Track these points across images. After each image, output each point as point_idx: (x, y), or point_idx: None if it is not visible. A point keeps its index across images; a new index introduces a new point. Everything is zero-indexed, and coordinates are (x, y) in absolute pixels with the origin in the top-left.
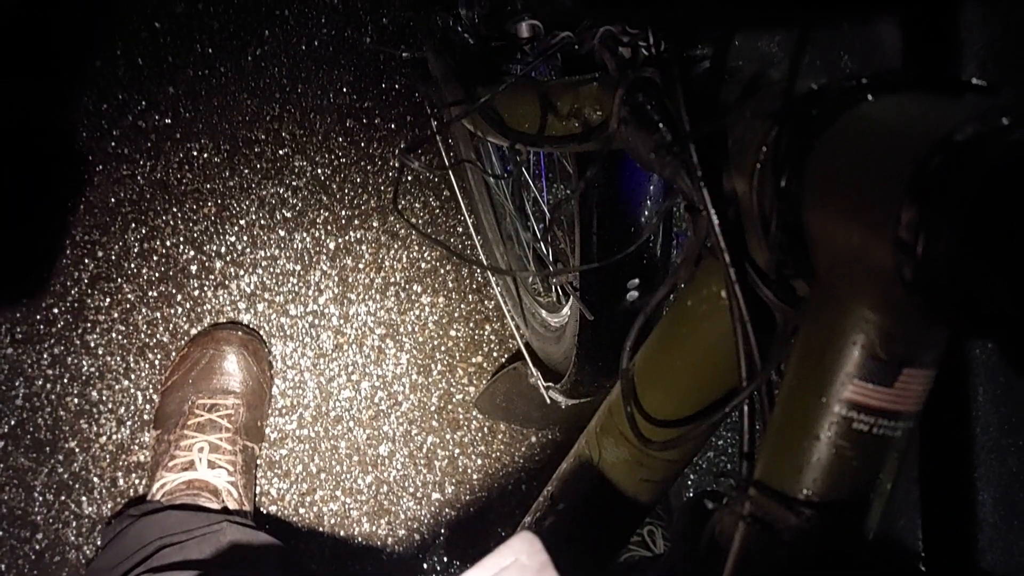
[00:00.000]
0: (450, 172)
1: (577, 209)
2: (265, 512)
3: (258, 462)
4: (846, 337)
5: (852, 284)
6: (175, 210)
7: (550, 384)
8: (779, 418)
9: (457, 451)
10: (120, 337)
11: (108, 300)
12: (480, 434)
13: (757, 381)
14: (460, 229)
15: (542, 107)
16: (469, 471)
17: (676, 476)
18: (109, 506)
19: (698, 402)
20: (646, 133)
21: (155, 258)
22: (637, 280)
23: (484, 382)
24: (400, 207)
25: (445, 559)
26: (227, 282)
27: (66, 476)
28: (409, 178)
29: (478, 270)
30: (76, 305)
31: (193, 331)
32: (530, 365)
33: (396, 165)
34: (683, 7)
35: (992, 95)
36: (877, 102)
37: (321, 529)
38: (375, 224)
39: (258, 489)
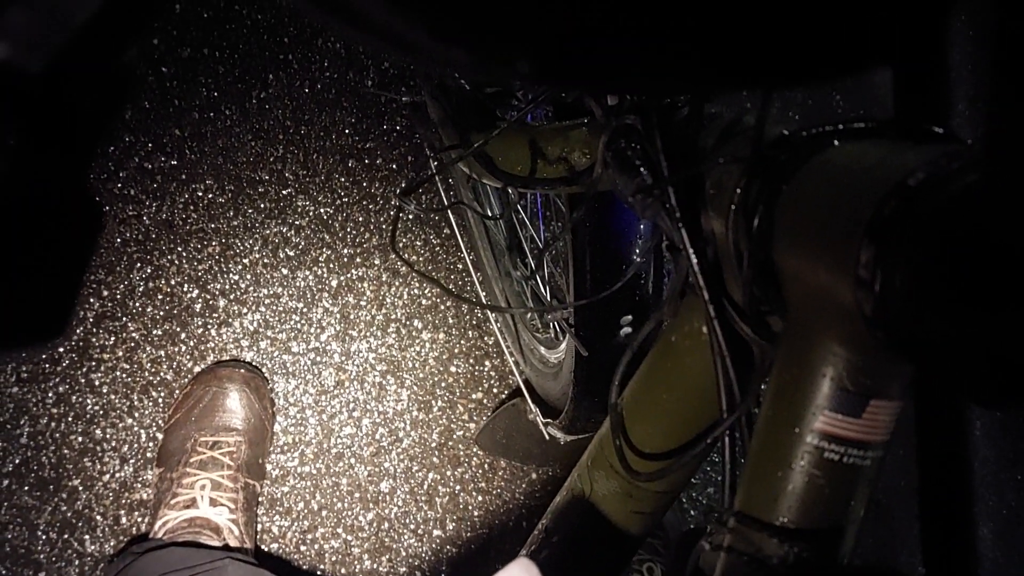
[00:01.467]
0: (449, 211)
1: (569, 247)
2: (267, 549)
3: (260, 499)
4: (816, 370)
5: (820, 320)
6: (180, 249)
7: (548, 420)
8: (756, 449)
9: (458, 488)
10: (124, 375)
11: (113, 339)
12: (481, 471)
13: (736, 413)
14: (460, 266)
15: (533, 151)
16: (470, 508)
17: (666, 508)
18: (112, 544)
19: (684, 434)
20: (628, 177)
21: (160, 297)
22: (630, 316)
23: (484, 418)
24: (401, 245)
25: None
26: (230, 320)
27: (69, 514)
28: (410, 217)
29: (478, 297)
30: (81, 344)
31: (197, 369)
32: (529, 401)
33: (396, 205)
34: (650, 81)
35: (946, 141)
36: (841, 148)
37: (323, 567)
38: (376, 262)
39: (260, 526)
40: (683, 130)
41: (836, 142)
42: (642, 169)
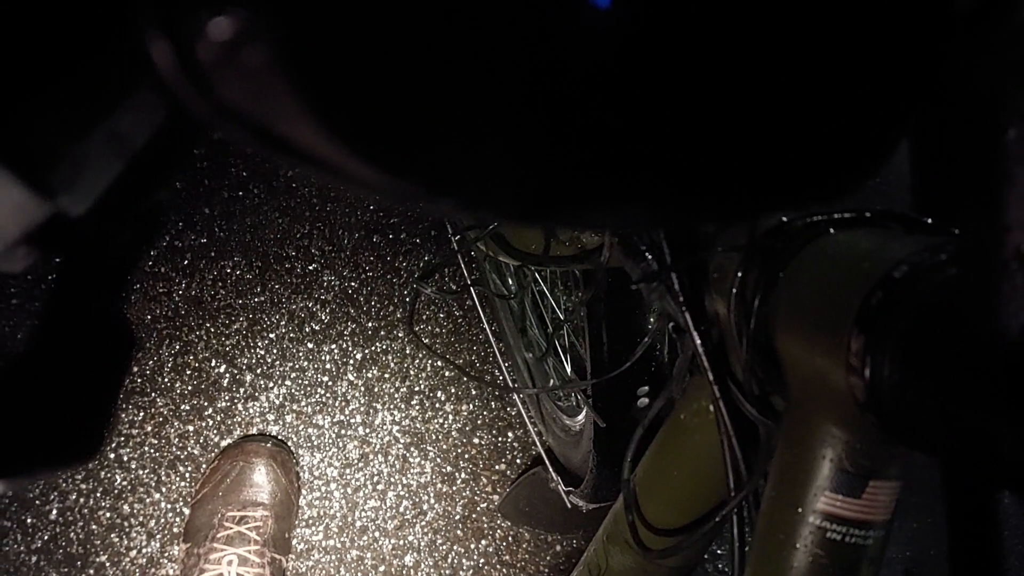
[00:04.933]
0: (475, 284)
1: (585, 322)
2: None
3: (286, 574)
4: (816, 451)
5: (818, 402)
6: (208, 325)
7: (571, 488)
8: (761, 528)
9: (482, 561)
10: (152, 450)
11: (142, 414)
12: (505, 543)
13: (742, 493)
14: (482, 337)
15: (545, 231)
16: None
17: None
18: None
19: (694, 511)
20: (634, 262)
21: (188, 372)
22: (647, 387)
23: (507, 489)
24: (424, 318)
25: None
26: (257, 394)
27: None
28: (432, 288)
29: (500, 375)
30: (110, 419)
31: (223, 443)
32: (551, 470)
33: (413, 288)
34: (632, 219)
35: (934, 232)
36: (834, 237)
37: None
38: (400, 335)
39: None
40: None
41: (831, 230)
42: (647, 255)
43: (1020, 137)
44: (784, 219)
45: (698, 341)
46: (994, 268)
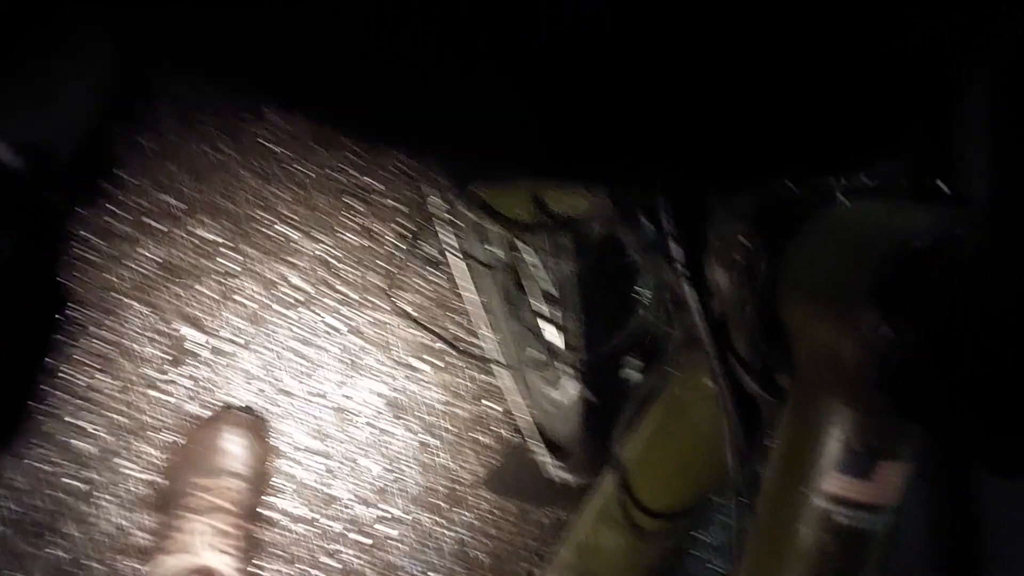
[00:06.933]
0: (458, 251)
1: (575, 293)
2: None
3: (258, 544)
4: (824, 430)
5: (827, 378)
6: (177, 289)
7: (558, 463)
8: (763, 510)
9: (467, 534)
10: (122, 418)
11: (109, 380)
12: (489, 516)
13: (744, 472)
14: (465, 308)
15: (533, 197)
16: (477, 554)
17: (672, 563)
18: None
19: (689, 488)
20: (631, 229)
21: (157, 337)
22: (636, 360)
23: (491, 461)
24: (405, 286)
25: None
26: (229, 361)
27: (66, 561)
28: (412, 254)
29: (485, 347)
30: (73, 385)
31: (195, 411)
32: (538, 443)
33: (403, 250)
34: (645, 176)
35: (952, 203)
36: (846, 206)
37: None
38: (379, 302)
39: (259, 572)
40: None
41: (840, 197)
42: (645, 222)
43: None
44: (790, 185)
45: (699, 314)
46: None
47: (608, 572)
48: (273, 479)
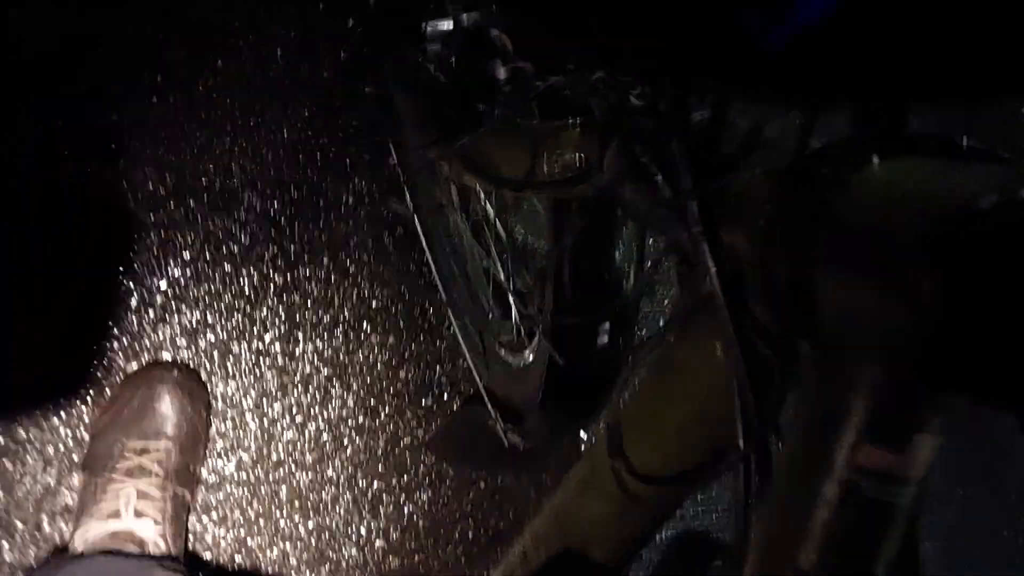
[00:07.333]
0: (409, 208)
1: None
2: (199, 559)
3: (194, 506)
4: (853, 400)
5: (862, 346)
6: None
7: (508, 426)
8: (782, 483)
9: (403, 497)
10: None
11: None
12: (428, 479)
13: (754, 440)
14: (414, 269)
15: (522, 151)
16: (415, 517)
17: (658, 530)
18: (32, 552)
19: (689, 453)
20: (643, 186)
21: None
22: (608, 325)
23: (434, 425)
24: (352, 243)
25: None
26: (168, 317)
27: None
28: (357, 211)
29: (430, 308)
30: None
31: (130, 368)
32: (489, 406)
33: (359, 206)
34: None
35: (1006, 163)
36: (888, 165)
37: None
38: (325, 261)
39: (193, 534)
40: (701, 137)
41: (875, 158)
42: (659, 179)
43: None
44: (820, 145)
45: (715, 276)
46: None
47: (589, 541)
48: (208, 440)
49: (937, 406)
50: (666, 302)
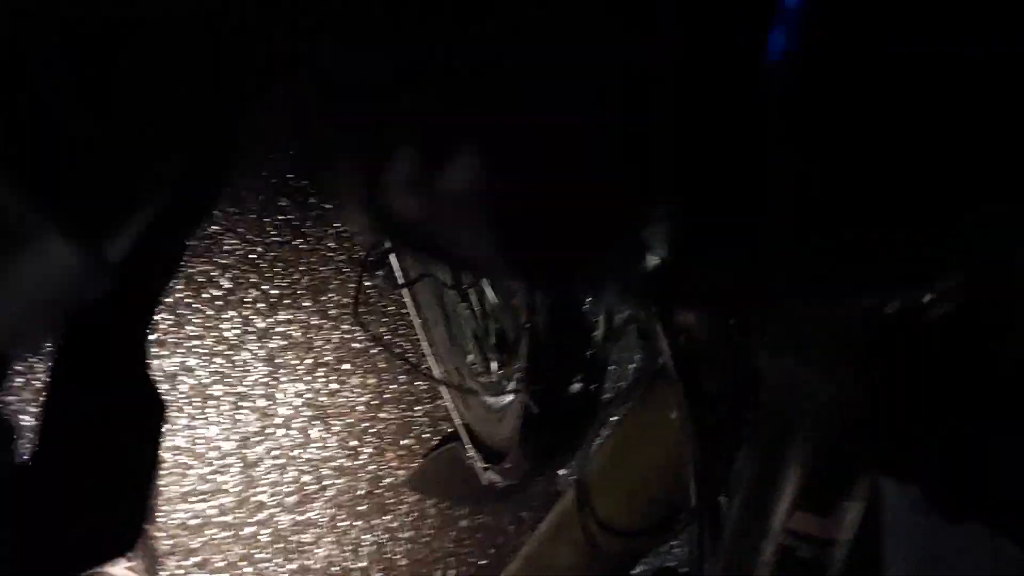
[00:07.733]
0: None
1: (526, 317)
2: None
3: (176, 551)
4: (788, 467)
5: (795, 418)
6: None
7: (488, 465)
8: (727, 542)
9: (385, 536)
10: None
11: (20, 380)
12: (409, 519)
13: (705, 502)
14: (392, 310)
15: None
16: (397, 557)
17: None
18: None
19: (648, 510)
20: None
21: None
22: (581, 373)
23: (415, 465)
24: (331, 287)
25: None
26: (148, 361)
27: None
28: (338, 259)
29: (410, 350)
30: None
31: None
32: (468, 445)
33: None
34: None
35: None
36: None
37: None
38: (306, 304)
39: None
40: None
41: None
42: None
43: None
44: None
45: (668, 351)
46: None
47: None
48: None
49: (861, 476)
50: (636, 356)
